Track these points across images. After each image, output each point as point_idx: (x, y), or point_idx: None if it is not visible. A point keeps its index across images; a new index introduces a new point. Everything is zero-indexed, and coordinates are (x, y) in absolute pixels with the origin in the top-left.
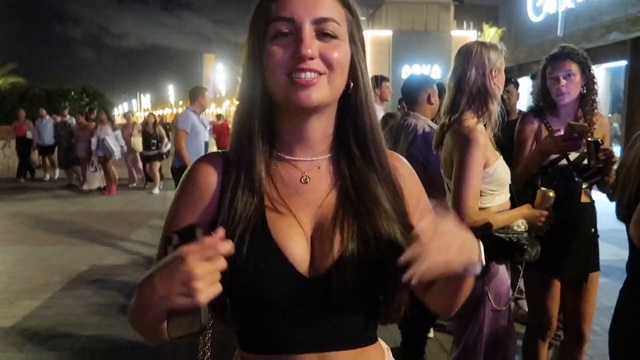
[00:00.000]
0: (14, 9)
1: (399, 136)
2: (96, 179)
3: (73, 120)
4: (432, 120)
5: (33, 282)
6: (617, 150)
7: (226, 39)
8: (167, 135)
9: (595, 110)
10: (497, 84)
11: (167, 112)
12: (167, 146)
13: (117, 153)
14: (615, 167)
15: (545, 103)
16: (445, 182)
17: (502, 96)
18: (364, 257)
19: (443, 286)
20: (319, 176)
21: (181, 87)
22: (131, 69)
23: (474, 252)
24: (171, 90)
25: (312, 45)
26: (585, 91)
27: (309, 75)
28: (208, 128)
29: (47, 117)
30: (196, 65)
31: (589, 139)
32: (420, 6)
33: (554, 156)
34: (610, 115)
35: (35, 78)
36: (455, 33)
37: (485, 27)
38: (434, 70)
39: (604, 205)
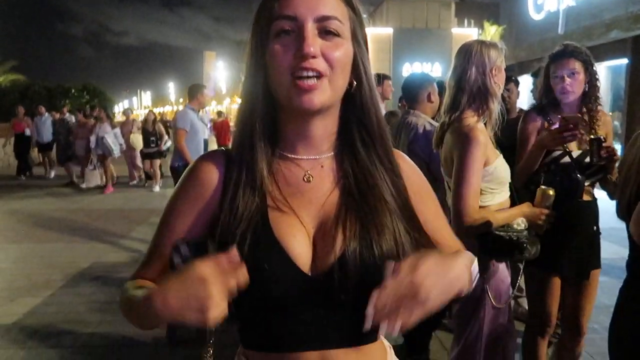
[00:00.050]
0: (15, 6)
1: (400, 134)
2: (95, 177)
3: (72, 118)
4: (433, 118)
5: (34, 280)
6: (617, 148)
7: (227, 37)
8: (167, 133)
9: (599, 107)
10: (498, 83)
11: (167, 110)
12: (167, 143)
13: (116, 151)
14: (617, 164)
15: (548, 100)
16: (446, 181)
17: (502, 95)
18: (367, 256)
19: None
20: (321, 175)
21: (182, 84)
22: (132, 66)
23: (462, 281)
24: (172, 88)
25: (314, 44)
26: (587, 88)
27: (311, 81)
28: (209, 126)
29: (46, 114)
30: (197, 63)
31: (592, 136)
32: (422, 4)
33: (556, 153)
34: (611, 113)
35: (35, 75)
36: (456, 31)
37: (486, 24)
38: (434, 68)
39: (604, 203)
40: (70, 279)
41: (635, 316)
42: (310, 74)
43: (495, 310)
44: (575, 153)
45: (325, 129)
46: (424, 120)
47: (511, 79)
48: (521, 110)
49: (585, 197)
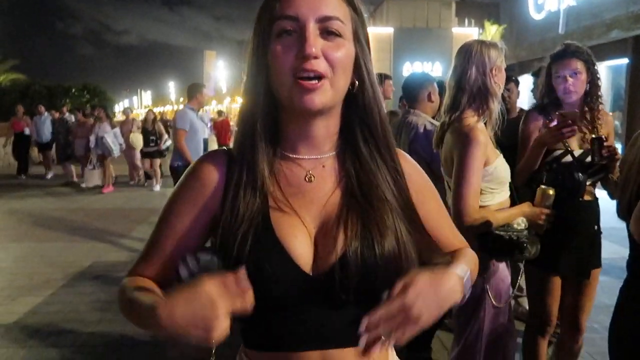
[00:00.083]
0: (15, 5)
1: (400, 133)
2: (94, 177)
3: (72, 117)
4: (433, 117)
5: (34, 279)
6: (618, 148)
7: (227, 36)
8: (167, 132)
9: (600, 106)
10: (498, 83)
11: (167, 109)
12: (167, 143)
13: (116, 151)
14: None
15: (549, 100)
16: (446, 181)
17: (502, 94)
18: (368, 256)
19: None
20: (323, 175)
21: (182, 84)
22: (132, 65)
23: (455, 294)
24: (172, 87)
25: (316, 44)
26: (589, 88)
27: (312, 81)
28: (209, 125)
29: (46, 113)
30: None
31: (593, 135)
32: (422, 3)
33: (558, 152)
34: (611, 113)
35: (36, 75)
36: (457, 30)
37: (487, 24)
38: (435, 68)
39: (604, 203)
40: (71, 278)
41: (635, 316)
42: (312, 75)
43: (495, 310)
44: (577, 152)
45: (326, 129)
46: (425, 119)
47: (511, 79)
48: (521, 110)
49: (587, 197)
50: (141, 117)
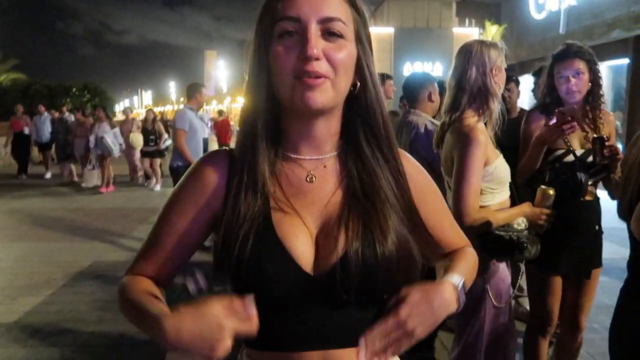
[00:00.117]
0: (16, 5)
1: (401, 133)
2: (93, 177)
3: (72, 117)
4: (433, 117)
5: (35, 279)
6: (619, 148)
7: (227, 36)
8: (167, 132)
9: (602, 106)
10: (498, 83)
11: (168, 109)
12: (166, 142)
13: (115, 151)
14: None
15: (551, 100)
16: (446, 181)
17: (502, 94)
18: (369, 256)
19: None
20: (324, 175)
21: (182, 83)
22: (132, 65)
23: (450, 305)
24: (172, 87)
25: (317, 46)
26: (591, 87)
27: (314, 80)
28: (209, 125)
29: (45, 113)
30: (197, 62)
31: (595, 135)
32: (423, 3)
33: (560, 151)
34: (612, 113)
35: (36, 74)
36: (457, 30)
37: (487, 24)
38: (435, 68)
39: (605, 203)
40: (71, 277)
41: (636, 316)
42: (313, 76)
43: (495, 310)
44: (578, 152)
45: (328, 129)
46: (425, 119)
47: (512, 79)
48: (522, 110)
49: (588, 197)
50: (141, 117)
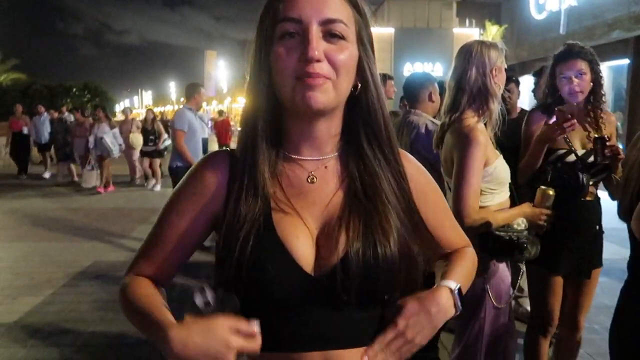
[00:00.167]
0: (16, 5)
1: (402, 133)
2: (93, 178)
3: (71, 117)
4: (434, 117)
5: (35, 279)
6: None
7: (228, 36)
8: (167, 132)
9: (604, 105)
10: (498, 83)
11: (168, 109)
12: (165, 142)
13: (115, 151)
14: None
15: (553, 100)
16: (446, 181)
17: (502, 95)
18: (369, 257)
19: None
20: (325, 176)
21: (183, 83)
22: (133, 65)
23: (448, 311)
24: (172, 87)
25: (318, 47)
26: (593, 87)
27: (315, 80)
28: (209, 125)
29: (45, 113)
30: (198, 62)
31: (596, 135)
32: (423, 3)
33: (561, 151)
34: (612, 113)
35: (37, 74)
36: (458, 31)
37: (488, 24)
38: (436, 68)
39: (605, 203)
40: (72, 277)
41: (636, 317)
42: (315, 80)
43: (495, 310)
44: (580, 152)
45: (328, 130)
46: (426, 119)
47: (512, 79)
48: (522, 110)
49: (588, 197)
50: (141, 117)
